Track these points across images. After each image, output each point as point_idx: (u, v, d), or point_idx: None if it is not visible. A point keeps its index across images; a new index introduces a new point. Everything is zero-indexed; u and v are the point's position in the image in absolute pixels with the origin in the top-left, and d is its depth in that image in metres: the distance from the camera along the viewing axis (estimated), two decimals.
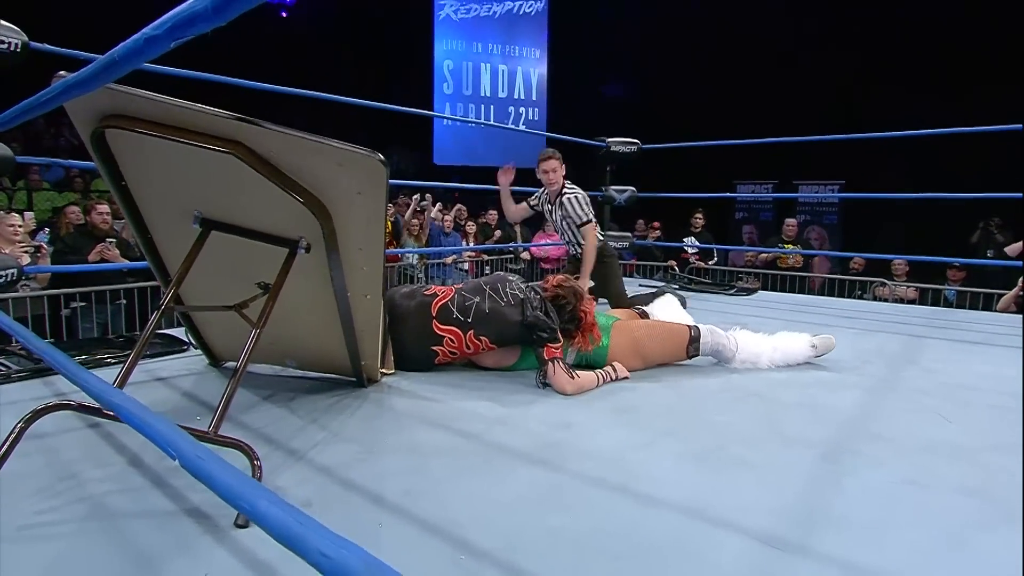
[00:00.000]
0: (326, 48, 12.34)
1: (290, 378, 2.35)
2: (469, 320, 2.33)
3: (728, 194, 8.57)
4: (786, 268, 6.58)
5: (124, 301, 4.14)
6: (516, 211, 4.10)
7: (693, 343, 2.58)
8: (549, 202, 3.92)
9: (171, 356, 2.62)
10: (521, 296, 2.33)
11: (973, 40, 7.35)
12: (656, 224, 8.27)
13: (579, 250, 3.88)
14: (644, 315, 2.97)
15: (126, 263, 4.25)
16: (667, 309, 3.04)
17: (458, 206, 7.22)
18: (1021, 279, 4.55)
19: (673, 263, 7.29)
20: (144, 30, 0.86)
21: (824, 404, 2.14)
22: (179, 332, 2.85)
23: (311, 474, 1.54)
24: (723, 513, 1.37)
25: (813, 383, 2.39)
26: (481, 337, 2.34)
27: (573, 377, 2.25)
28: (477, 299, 2.34)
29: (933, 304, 5.22)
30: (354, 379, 2.25)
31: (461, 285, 2.45)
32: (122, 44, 0.94)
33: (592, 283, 3.83)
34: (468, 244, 7.44)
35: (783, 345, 2.61)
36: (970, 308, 4.90)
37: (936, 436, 1.84)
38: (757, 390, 2.29)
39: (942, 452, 1.73)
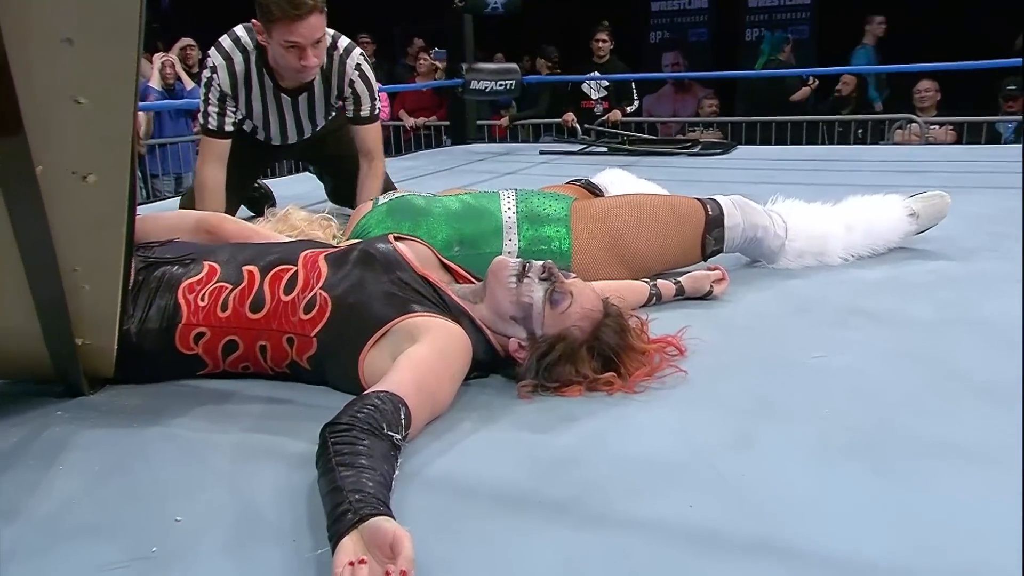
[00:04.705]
0: None
1: None
2: None
3: None
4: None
5: None
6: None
7: (713, 229, 1.49)
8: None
9: None
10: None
11: None
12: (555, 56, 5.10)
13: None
14: (596, 191, 1.82)
15: None
16: (625, 182, 1.89)
17: (187, 40, 4.87)
18: None
19: (569, 116, 4.43)
20: None
21: (989, 318, 1.19)
22: None
23: None
24: None
25: (938, 282, 1.43)
26: None
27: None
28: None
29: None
30: (55, 382, 1.03)
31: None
32: None
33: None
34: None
35: (863, 220, 1.59)
36: None
37: None
38: (855, 304, 1.31)
39: None
